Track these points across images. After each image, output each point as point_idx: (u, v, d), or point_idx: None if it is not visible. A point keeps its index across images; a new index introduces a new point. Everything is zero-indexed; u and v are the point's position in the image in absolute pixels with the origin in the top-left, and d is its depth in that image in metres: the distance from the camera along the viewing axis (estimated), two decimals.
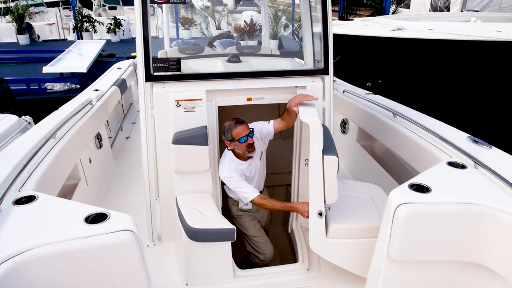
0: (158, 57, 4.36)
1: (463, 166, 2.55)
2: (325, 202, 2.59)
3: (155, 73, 2.92)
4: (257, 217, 3.33)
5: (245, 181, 2.97)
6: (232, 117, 2.94)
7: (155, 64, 2.91)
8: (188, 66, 3.34)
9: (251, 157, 3.03)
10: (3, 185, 2.22)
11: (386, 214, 2.23)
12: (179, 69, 2.98)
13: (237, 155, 3.01)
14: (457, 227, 2.12)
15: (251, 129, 2.90)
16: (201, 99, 2.95)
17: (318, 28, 3.16)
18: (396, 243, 2.14)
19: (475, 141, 2.87)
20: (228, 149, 3.02)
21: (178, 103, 2.93)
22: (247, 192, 2.95)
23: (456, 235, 2.14)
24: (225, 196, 3.31)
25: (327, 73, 3.15)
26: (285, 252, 3.57)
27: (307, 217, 2.70)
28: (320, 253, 2.78)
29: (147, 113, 2.98)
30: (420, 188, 2.25)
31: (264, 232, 3.34)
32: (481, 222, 2.10)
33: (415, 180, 2.33)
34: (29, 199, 2.16)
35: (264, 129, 3.09)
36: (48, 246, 1.78)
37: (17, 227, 1.93)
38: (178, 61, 2.98)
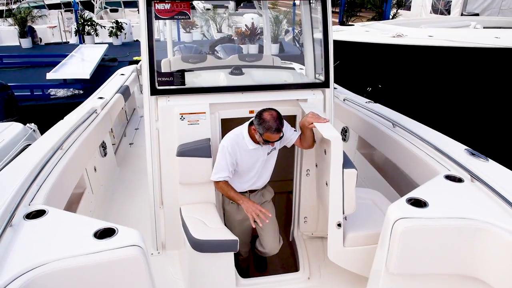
0: (161, 65, 4.47)
1: (460, 180, 2.61)
2: (343, 213, 2.68)
3: (160, 87, 3.00)
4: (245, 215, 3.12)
5: (227, 164, 2.87)
6: (275, 112, 2.77)
7: (160, 79, 2.99)
8: (192, 79, 3.41)
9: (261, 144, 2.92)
10: (14, 199, 2.30)
11: (384, 228, 2.30)
12: (183, 83, 3.06)
13: (251, 135, 2.90)
14: (453, 242, 2.20)
15: (280, 137, 2.84)
16: (204, 112, 3.03)
17: (319, 35, 3.23)
18: (394, 256, 2.22)
19: (472, 154, 2.94)
20: (246, 126, 2.92)
21: (182, 116, 3.01)
22: (218, 171, 2.89)
23: (452, 249, 2.21)
24: None
25: (328, 86, 3.23)
26: (287, 260, 3.64)
27: (251, 215, 2.76)
28: (338, 262, 2.85)
29: (152, 125, 3.06)
30: (418, 203, 2.32)
31: (247, 235, 3.28)
32: (476, 237, 2.17)
33: (413, 194, 2.40)
34: (39, 213, 2.23)
35: (288, 133, 3.01)
36: (59, 262, 1.85)
37: (29, 243, 2.00)
38: (182, 75, 3.05)
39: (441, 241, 2.20)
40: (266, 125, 2.72)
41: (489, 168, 2.72)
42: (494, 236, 2.12)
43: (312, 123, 2.80)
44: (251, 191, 3.14)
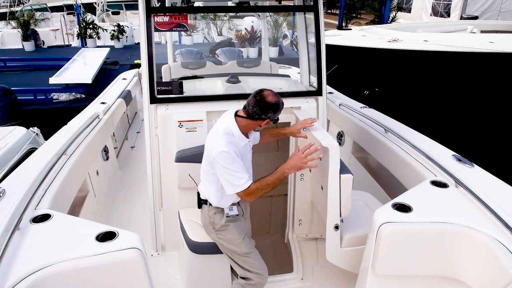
0: (162, 71, 4.60)
1: (445, 185, 2.72)
2: (340, 215, 2.78)
3: (159, 96, 3.14)
4: (243, 223, 2.87)
5: (242, 166, 2.48)
6: (268, 90, 2.53)
7: (159, 88, 3.12)
8: (190, 87, 3.54)
9: (248, 137, 2.66)
10: (21, 203, 2.41)
11: (370, 232, 2.43)
12: (181, 92, 3.20)
13: (242, 130, 2.56)
14: (435, 245, 2.31)
15: None
16: (202, 120, 3.16)
17: (314, 41, 3.36)
18: (379, 258, 2.34)
19: (459, 160, 3.05)
20: (232, 121, 2.56)
21: (180, 123, 3.15)
22: (243, 177, 2.43)
23: (434, 252, 2.33)
24: (199, 207, 2.87)
25: (321, 94, 3.37)
26: (282, 261, 3.75)
27: (305, 165, 2.49)
28: (336, 263, 2.94)
29: (151, 132, 3.19)
30: (403, 207, 2.44)
31: (254, 247, 2.86)
32: (456, 240, 2.29)
33: (398, 199, 2.52)
34: (45, 217, 2.35)
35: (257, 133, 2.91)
36: (64, 264, 1.97)
37: (35, 245, 2.12)
38: (180, 84, 3.19)
39: (423, 244, 2.32)
40: (280, 105, 2.51)
41: (473, 174, 2.83)
42: (472, 239, 2.24)
43: (300, 132, 2.84)
44: (240, 202, 2.84)
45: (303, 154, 2.47)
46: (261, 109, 2.47)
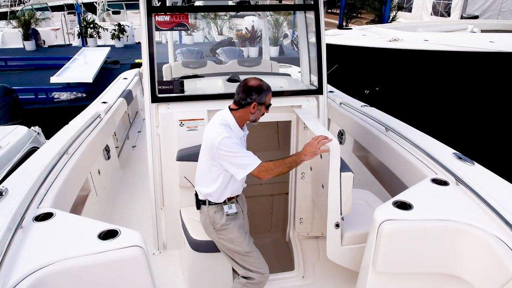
0: (163, 71, 4.61)
1: (445, 183, 2.73)
2: (341, 213, 2.79)
3: (160, 95, 3.15)
4: (242, 222, 2.87)
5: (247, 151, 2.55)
6: (251, 78, 2.59)
7: (160, 87, 3.13)
8: (191, 86, 3.55)
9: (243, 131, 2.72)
10: (24, 202, 2.43)
11: (371, 230, 2.44)
12: (182, 91, 3.21)
13: (239, 121, 2.63)
14: (435, 242, 2.33)
15: None
16: (203, 119, 3.17)
17: (314, 40, 3.37)
18: (380, 256, 2.35)
19: (460, 158, 3.06)
20: (228, 114, 2.61)
21: (181, 122, 3.16)
22: (250, 155, 2.49)
23: (435, 249, 2.34)
24: (197, 208, 2.88)
25: (321, 93, 3.38)
26: (284, 260, 3.77)
27: (319, 150, 2.58)
28: (336, 261, 2.95)
29: (153, 131, 3.20)
30: (403, 205, 2.45)
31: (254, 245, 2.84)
32: (456, 238, 2.30)
33: (399, 197, 2.53)
34: (47, 215, 2.37)
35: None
36: (66, 261, 1.98)
37: (38, 243, 2.13)
38: (181, 83, 3.20)
39: (423, 242, 2.33)
40: (264, 88, 2.55)
41: (474, 172, 2.83)
42: (473, 237, 2.25)
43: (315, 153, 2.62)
44: (237, 196, 2.85)
45: (316, 141, 2.59)
46: (245, 93, 2.55)
